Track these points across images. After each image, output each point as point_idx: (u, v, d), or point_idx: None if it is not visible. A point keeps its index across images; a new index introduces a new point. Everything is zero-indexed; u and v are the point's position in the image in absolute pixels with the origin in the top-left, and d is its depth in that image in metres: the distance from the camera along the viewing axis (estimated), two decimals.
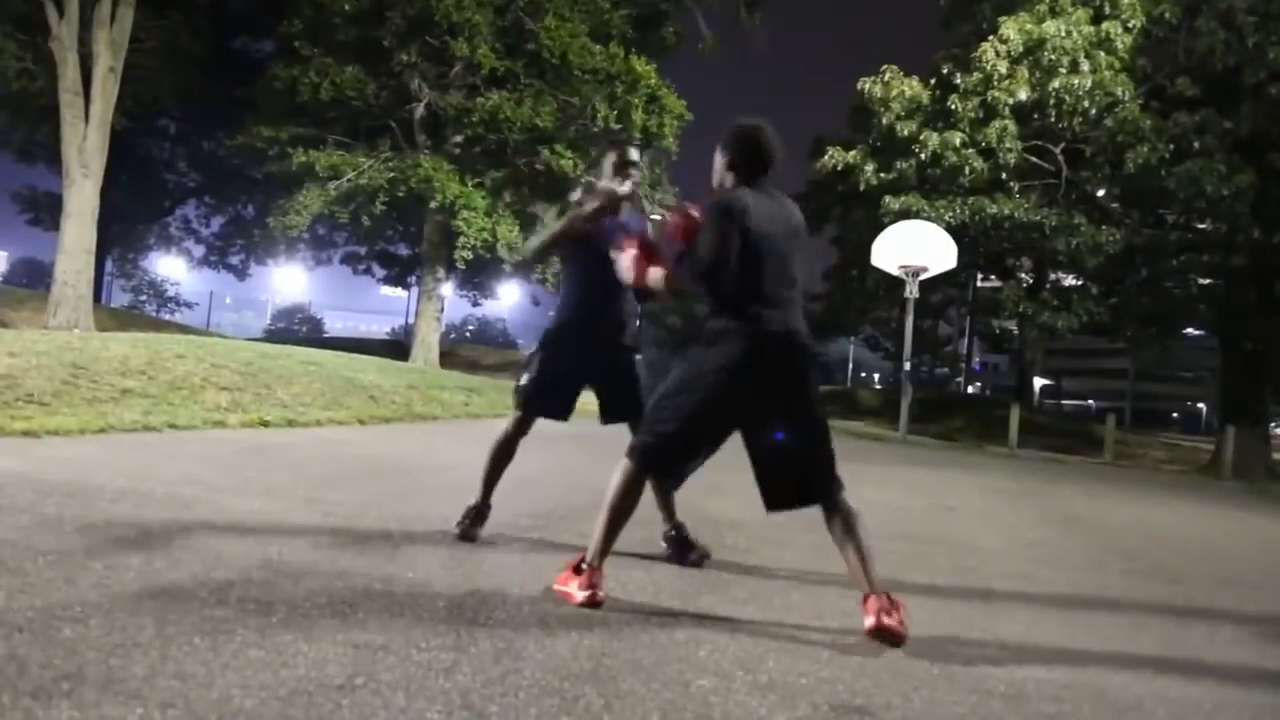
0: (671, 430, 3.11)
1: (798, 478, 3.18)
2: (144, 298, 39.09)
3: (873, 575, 3.06)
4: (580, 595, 3.01)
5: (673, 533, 3.95)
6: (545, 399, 3.87)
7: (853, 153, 20.46)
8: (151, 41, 20.95)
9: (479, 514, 3.92)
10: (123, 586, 2.71)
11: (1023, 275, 25.54)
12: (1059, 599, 4.11)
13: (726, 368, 3.06)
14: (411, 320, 29.79)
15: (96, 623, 2.36)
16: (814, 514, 5.82)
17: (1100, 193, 19.89)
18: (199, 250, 34.29)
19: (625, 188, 3.82)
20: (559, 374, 3.85)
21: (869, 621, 2.96)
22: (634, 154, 3.95)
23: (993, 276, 29.47)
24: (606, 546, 3.11)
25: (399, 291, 38.98)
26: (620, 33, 22.35)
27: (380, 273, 32.40)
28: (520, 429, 3.91)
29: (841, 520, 3.16)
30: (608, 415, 3.94)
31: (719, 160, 3.30)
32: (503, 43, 20.66)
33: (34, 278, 44.60)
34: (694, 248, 3.14)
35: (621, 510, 3.12)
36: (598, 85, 20.64)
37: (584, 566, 3.08)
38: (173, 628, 2.38)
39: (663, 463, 3.19)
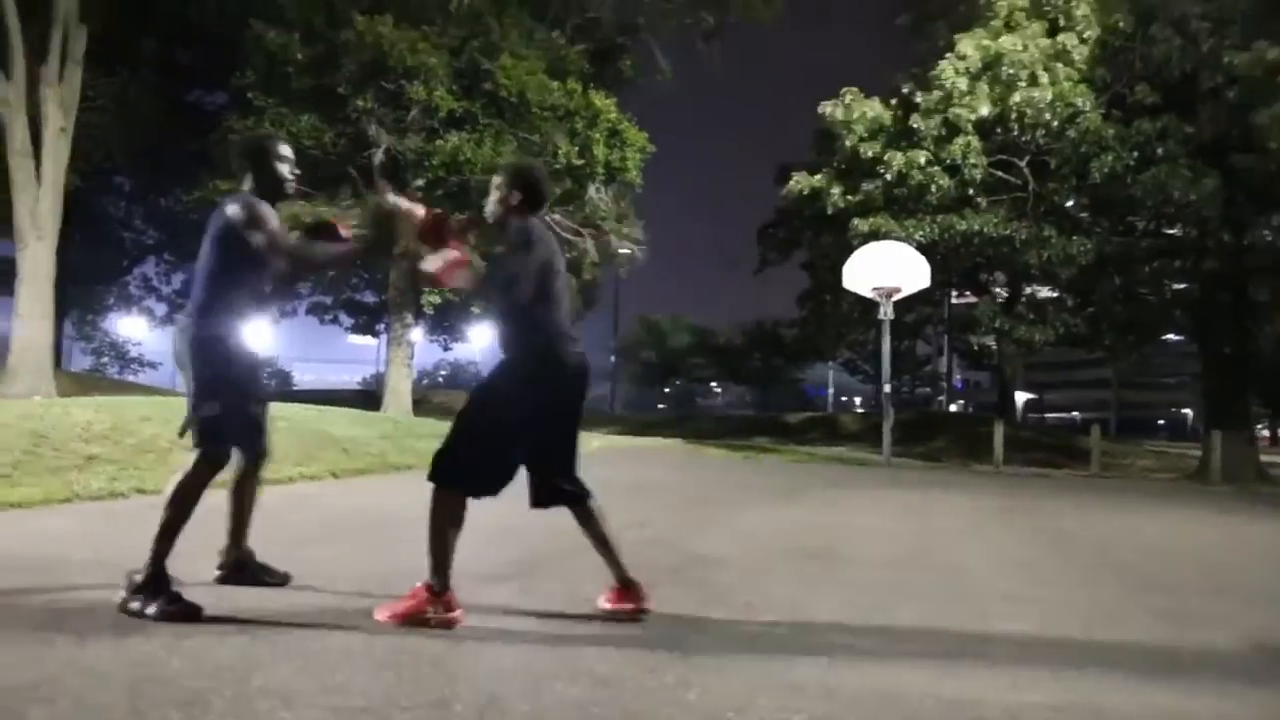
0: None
1: (561, 481, 3.52)
2: (105, 359, 38.42)
3: (623, 566, 3.51)
4: (438, 618, 3.20)
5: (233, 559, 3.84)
6: (230, 431, 3.61)
7: (818, 177, 20.41)
8: (102, 99, 20.66)
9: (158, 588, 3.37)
10: (93, 661, 2.66)
11: (997, 290, 25.53)
12: (1051, 618, 4.02)
13: (544, 395, 3.42)
14: (382, 368, 29.37)
15: (66, 702, 2.32)
16: (793, 543, 5.64)
17: (1068, 203, 19.86)
18: (160, 309, 33.84)
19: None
20: (240, 396, 3.64)
21: (627, 605, 3.48)
22: (282, 149, 3.78)
23: (967, 293, 29.50)
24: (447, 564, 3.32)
25: (368, 340, 38.59)
26: (577, 68, 22.25)
27: (347, 321, 32.06)
28: (216, 470, 3.60)
29: (593, 520, 3.53)
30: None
31: (499, 194, 3.61)
32: (459, 84, 20.48)
33: None
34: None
35: (451, 532, 3.33)
36: (557, 122, 20.48)
37: (434, 590, 3.26)
38: (146, 701, 2.34)
39: (480, 484, 3.39)
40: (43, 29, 17.41)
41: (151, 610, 3.16)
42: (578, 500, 3.52)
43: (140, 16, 22.35)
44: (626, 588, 3.50)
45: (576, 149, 20.40)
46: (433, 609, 3.19)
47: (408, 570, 4.04)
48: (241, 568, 3.78)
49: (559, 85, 20.65)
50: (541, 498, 3.52)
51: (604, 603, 3.53)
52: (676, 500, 8.18)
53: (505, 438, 3.34)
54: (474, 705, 2.45)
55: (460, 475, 3.30)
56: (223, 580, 3.73)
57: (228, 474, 3.64)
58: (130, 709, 2.28)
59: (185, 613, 3.15)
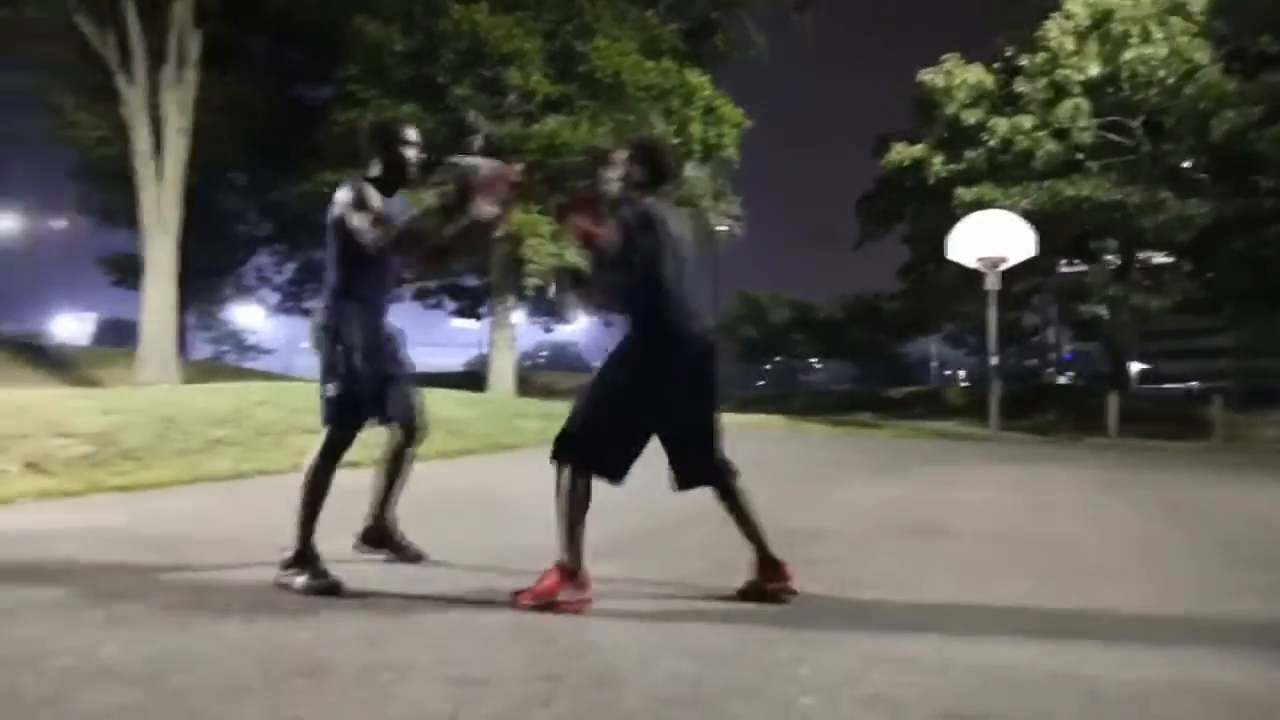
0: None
1: (704, 462, 3.43)
2: (225, 348, 40.25)
3: (768, 547, 3.40)
4: (574, 599, 3.16)
5: (372, 527, 3.93)
6: (358, 407, 3.61)
7: (918, 147, 20.03)
8: (216, 99, 21.50)
9: (307, 562, 3.44)
10: (228, 633, 2.79)
11: (1108, 257, 24.64)
12: (1169, 594, 3.88)
13: (661, 377, 3.29)
14: (485, 351, 29.99)
15: (205, 670, 2.43)
16: (896, 518, 5.60)
17: (1186, 164, 19.01)
18: (274, 297, 35.25)
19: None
20: (363, 378, 3.58)
21: (770, 585, 3.38)
22: (408, 133, 3.82)
23: (1076, 261, 28.54)
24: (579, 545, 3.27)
25: (471, 323, 39.37)
26: (671, 46, 22.23)
27: (450, 305, 32.74)
28: (342, 450, 3.61)
29: (738, 499, 3.43)
30: (387, 416, 3.82)
31: (620, 170, 3.50)
32: (555, 67, 20.68)
33: (122, 336, 46.14)
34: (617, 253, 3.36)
35: (580, 511, 3.28)
36: (653, 101, 20.51)
37: (568, 570, 3.19)
38: (278, 671, 2.44)
39: (604, 465, 3.31)
40: (161, 35, 18.30)
41: (299, 583, 3.31)
42: (721, 480, 3.43)
43: (250, 18, 23.22)
44: (769, 567, 3.42)
45: (673, 128, 20.40)
46: (564, 591, 3.16)
47: (521, 547, 4.16)
48: (380, 540, 3.88)
49: (654, 64, 20.68)
50: (683, 480, 3.44)
51: (767, 585, 3.44)
52: (779, 476, 8.11)
53: (625, 419, 3.28)
54: (588, 679, 2.48)
55: (581, 454, 3.26)
56: (360, 549, 3.84)
57: (372, 449, 3.77)
58: (262, 677, 2.39)
59: (327, 588, 3.29)
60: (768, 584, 3.41)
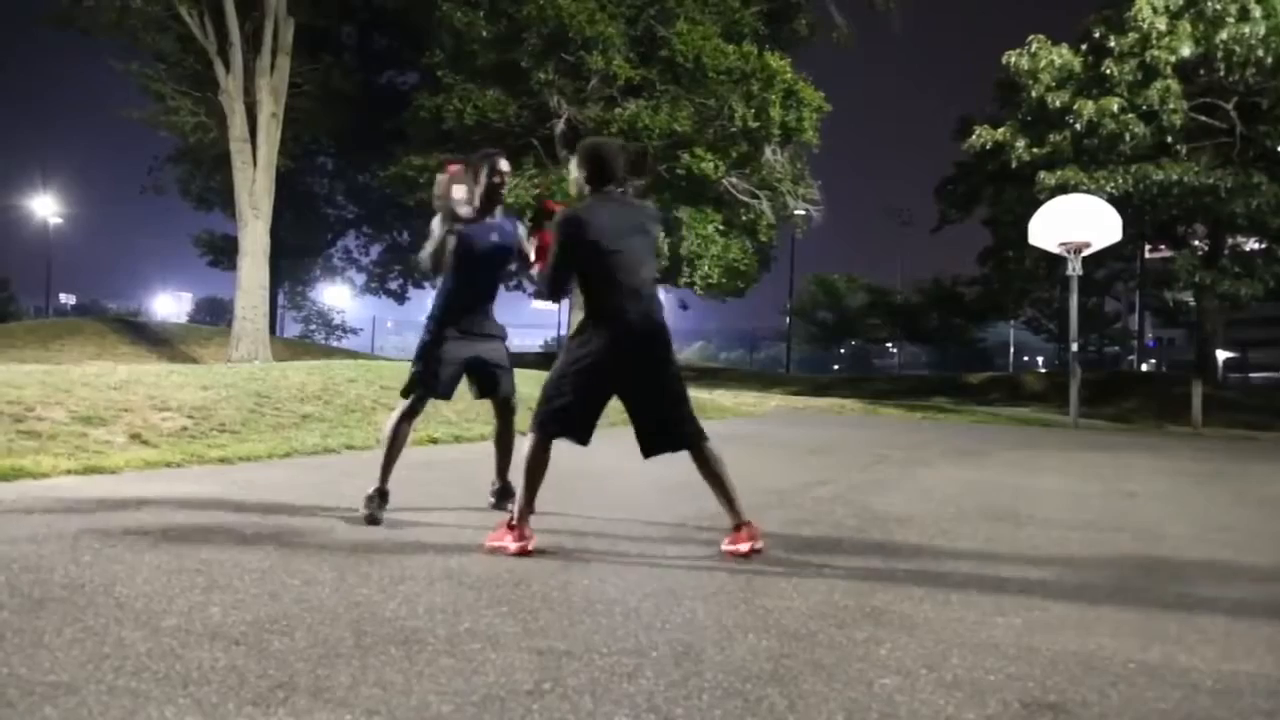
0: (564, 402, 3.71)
1: (666, 430, 3.77)
2: (313, 327, 41.30)
3: (738, 509, 3.76)
4: (514, 546, 3.61)
5: (498, 488, 4.66)
6: (432, 384, 4.32)
7: (1001, 130, 19.76)
8: (307, 85, 22.21)
9: (382, 498, 4.24)
10: (320, 600, 2.90)
11: (1196, 243, 24.03)
12: (1263, 587, 3.82)
13: (597, 352, 3.66)
14: (563, 332, 30.43)
15: (301, 635, 2.53)
16: (976, 504, 5.69)
17: None
18: (360, 278, 36.12)
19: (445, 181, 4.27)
20: (442, 361, 4.30)
21: (743, 547, 3.71)
22: (503, 165, 4.37)
23: (1162, 246, 27.87)
24: (528, 504, 3.70)
25: (550, 305, 39.81)
26: (752, 30, 22.25)
27: (530, 288, 33.19)
28: (413, 411, 4.36)
29: (708, 463, 3.76)
30: (480, 393, 4.53)
31: (574, 173, 3.88)
32: (636, 52, 20.86)
33: (216, 314, 47.65)
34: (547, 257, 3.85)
35: (534, 472, 3.70)
36: (733, 85, 20.56)
37: (513, 524, 3.67)
38: (369, 638, 2.53)
39: (561, 428, 3.73)
40: (256, 24, 18.96)
41: (364, 511, 4.14)
42: (687, 446, 3.77)
43: (340, 6, 23.83)
44: (735, 529, 3.77)
45: (752, 111, 20.44)
46: (508, 539, 3.65)
47: (590, 520, 4.42)
48: (504, 495, 4.55)
49: (734, 48, 20.72)
50: (646, 447, 3.80)
51: (725, 546, 3.80)
52: (856, 460, 8.18)
53: (569, 389, 3.70)
54: (669, 653, 2.52)
55: (537, 420, 3.74)
56: (496, 507, 4.54)
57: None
58: (356, 644, 2.47)
59: (369, 520, 4.11)
60: (734, 544, 3.76)
